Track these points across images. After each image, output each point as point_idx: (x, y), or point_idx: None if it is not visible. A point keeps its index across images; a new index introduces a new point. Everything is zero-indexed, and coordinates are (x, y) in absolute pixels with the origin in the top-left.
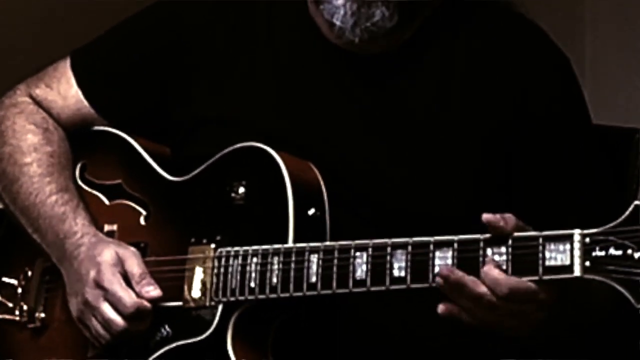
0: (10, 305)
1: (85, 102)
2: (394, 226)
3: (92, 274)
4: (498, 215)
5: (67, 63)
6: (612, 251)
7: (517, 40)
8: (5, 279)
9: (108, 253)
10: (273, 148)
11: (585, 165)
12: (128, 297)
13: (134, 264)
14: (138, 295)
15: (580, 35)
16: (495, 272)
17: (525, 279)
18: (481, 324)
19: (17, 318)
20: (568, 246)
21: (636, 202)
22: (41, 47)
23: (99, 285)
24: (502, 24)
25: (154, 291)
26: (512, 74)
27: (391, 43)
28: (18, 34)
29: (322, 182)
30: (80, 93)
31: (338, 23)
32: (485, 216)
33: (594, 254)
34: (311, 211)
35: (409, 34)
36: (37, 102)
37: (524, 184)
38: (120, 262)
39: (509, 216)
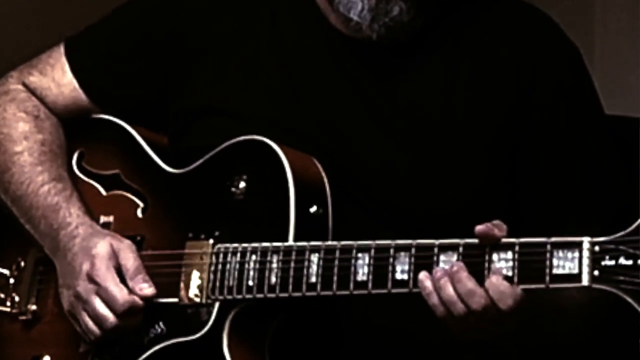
0: (2, 295)
1: (81, 91)
2: (400, 222)
3: (86, 267)
4: (489, 224)
5: (62, 50)
6: (622, 261)
7: (527, 31)
8: None
9: (102, 246)
10: (276, 140)
11: (595, 157)
12: (120, 294)
13: (129, 258)
14: (131, 291)
15: (589, 25)
16: (503, 285)
17: (530, 286)
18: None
19: (9, 309)
20: (577, 254)
21: None
22: (35, 33)
23: (91, 279)
24: (512, 15)
25: (147, 289)
26: (521, 66)
27: (400, 33)
28: (11, 20)
29: (325, 179)
30: (75, 81)
31: (355, 18)
32: (478, 228)
33: (603, 263)
34: (313, 209)
35: (419, 24)
36: (31, 90)
37: (533, 176)
38: (115, 255)
39: (499, 222)
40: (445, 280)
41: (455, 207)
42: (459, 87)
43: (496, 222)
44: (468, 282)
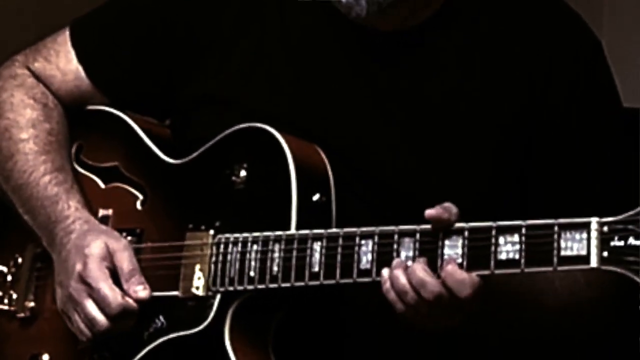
0: (0, 293)
1: (86, 79)
2: (405, 212)
3: (78, 267)
4: (439, 208)
5: (67, 35)
6: (631, 241)
7: (545, 22)
8: None
9: (97, 245)
10: (280, 129)
11: (608, 155)
12: (113, 297)
13: (124, 259)
14: (126, 293)
15: (598, 18)
16: (459, 274)
17: (539, 269)
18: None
19: (6, 307)
20: (585, 235)
21: None
22: (41, 14)
23: (83, 280)
24: (529, 5)
25: (142, 292)
26: (537, 58)
27: (410, 20)
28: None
29: (328, 166)
30: (80, 69)
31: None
32: (428, 212)
33: (612, 243)
34: (316, 197)
35: (430, 12)
36: (36, 76)
37: (544, 171)
38: (109, 256)
39: (449, 205)
40: (400, 271)
41: (460, 199)
42: (471, 79)
43: (446, 204)
44: (420, 272)
